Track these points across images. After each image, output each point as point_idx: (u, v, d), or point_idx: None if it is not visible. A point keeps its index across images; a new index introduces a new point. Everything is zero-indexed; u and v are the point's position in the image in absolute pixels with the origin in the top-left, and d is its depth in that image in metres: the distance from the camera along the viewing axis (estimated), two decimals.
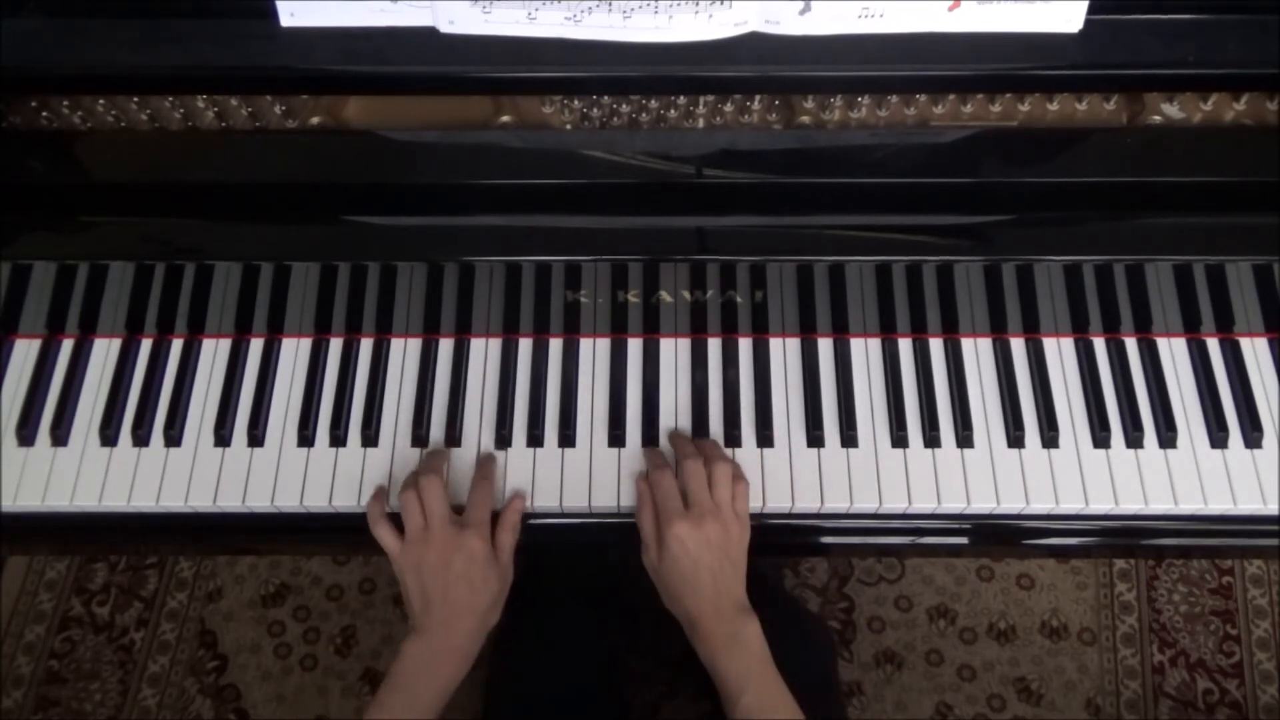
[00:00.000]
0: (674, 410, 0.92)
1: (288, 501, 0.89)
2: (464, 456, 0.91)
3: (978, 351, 0.94)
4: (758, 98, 0.83)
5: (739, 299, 0.89)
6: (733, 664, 0.79)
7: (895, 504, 0.88)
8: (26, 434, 0.92)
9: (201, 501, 0.89)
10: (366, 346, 0.95)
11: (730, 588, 0.82)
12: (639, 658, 1.49)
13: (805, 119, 0.84)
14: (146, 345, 0.95)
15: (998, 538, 0.92)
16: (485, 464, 0.89)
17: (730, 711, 0.79)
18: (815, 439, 0.90)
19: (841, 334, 0.94)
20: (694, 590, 0.81)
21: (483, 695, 1.14)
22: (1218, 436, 0.90)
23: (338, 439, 0.91)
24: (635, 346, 0.95)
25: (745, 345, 0.94)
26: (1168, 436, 0.90)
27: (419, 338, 0.95)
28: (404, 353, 0.95)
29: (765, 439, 0.90)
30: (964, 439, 0.90)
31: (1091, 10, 0.76)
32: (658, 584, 0.84)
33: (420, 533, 0.82)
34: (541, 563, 1.35)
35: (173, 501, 0.89)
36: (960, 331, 0.94)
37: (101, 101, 0.84)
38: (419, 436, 0.91)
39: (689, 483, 0.84)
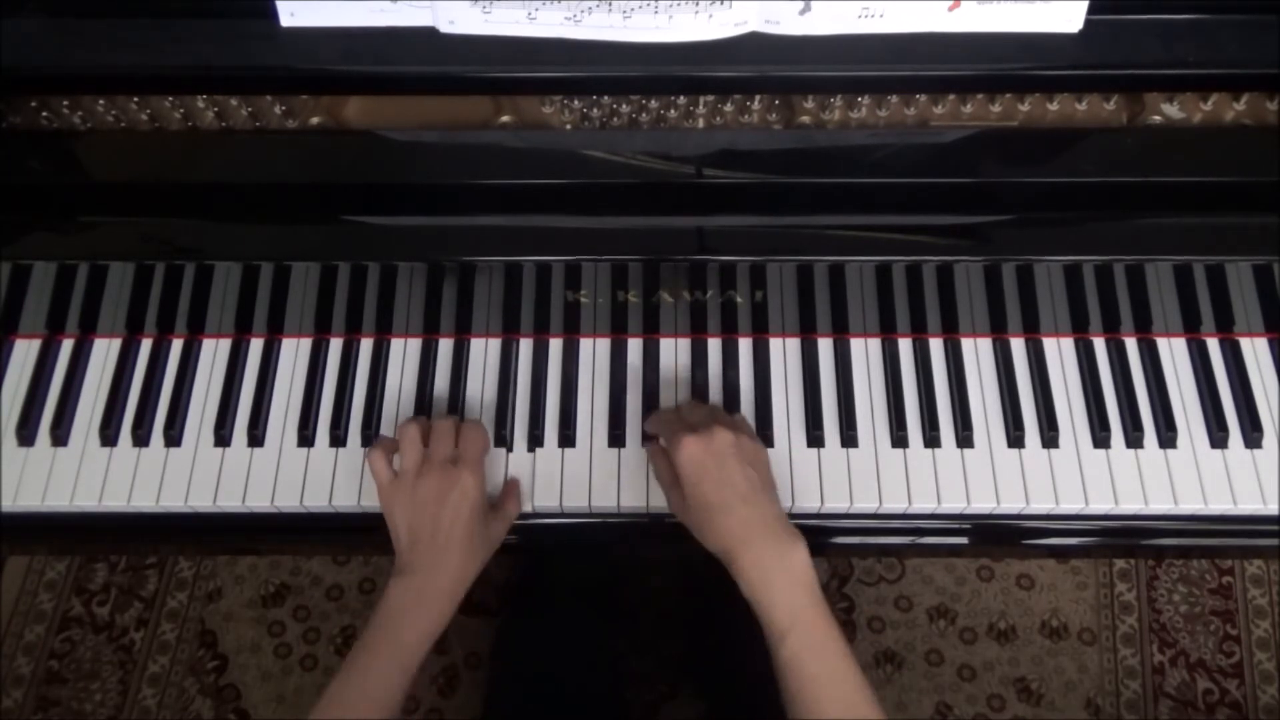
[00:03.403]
0: None
1: (288, 501, 0.89)
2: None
3: (978, 351, 0.94)
4: (758, 98, 0.83)
5: (739, 299, 0.89)
6: (778, 595, 0.72)
7: (895, 504, 0.88)
8: (26, 434, 0.92)
9: (201, 501, 0.89)
10: (366, 346, 0.95)
11: (763, 500, 0.76)
12: (639, 658, 1.49)
13: (805, 119, 0.84)
14: (146, 345, 0.95)
15: (998, 538, 0.92)
16: (473, 418, 0.89)
17: (776, 652, 0.72)
18: (815, 439, 0.90)
19: (841, 334, 0.94)
20: (724, 510, 0.75)
21: (483, 695, 1.14)
22: (1218, 436, 0.90)
23: (338, 439, 0.91)
24: (635, 346, 0.95)
25: (745, 345, 0.94)
26: (1168, 436, 0.90)
27: (419, 338, 0.95)
28: (404, 353, 0.95)
29: (765, 439, 0.90)
30: (964, 439, 0.90)
31: (1091, 10, 0.76)
32: (690, 525, 0.78)
33: (416, 465, 0.80)
34: (542, 563, 1.36)
35: (173, 501, 0.89)
36: (960, 331, 0.94)
37: (101, 101, 0.84)
38: None
39: (690, 413, 0.83)
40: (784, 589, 0.72)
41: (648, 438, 0.90)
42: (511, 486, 0.88)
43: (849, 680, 0.71)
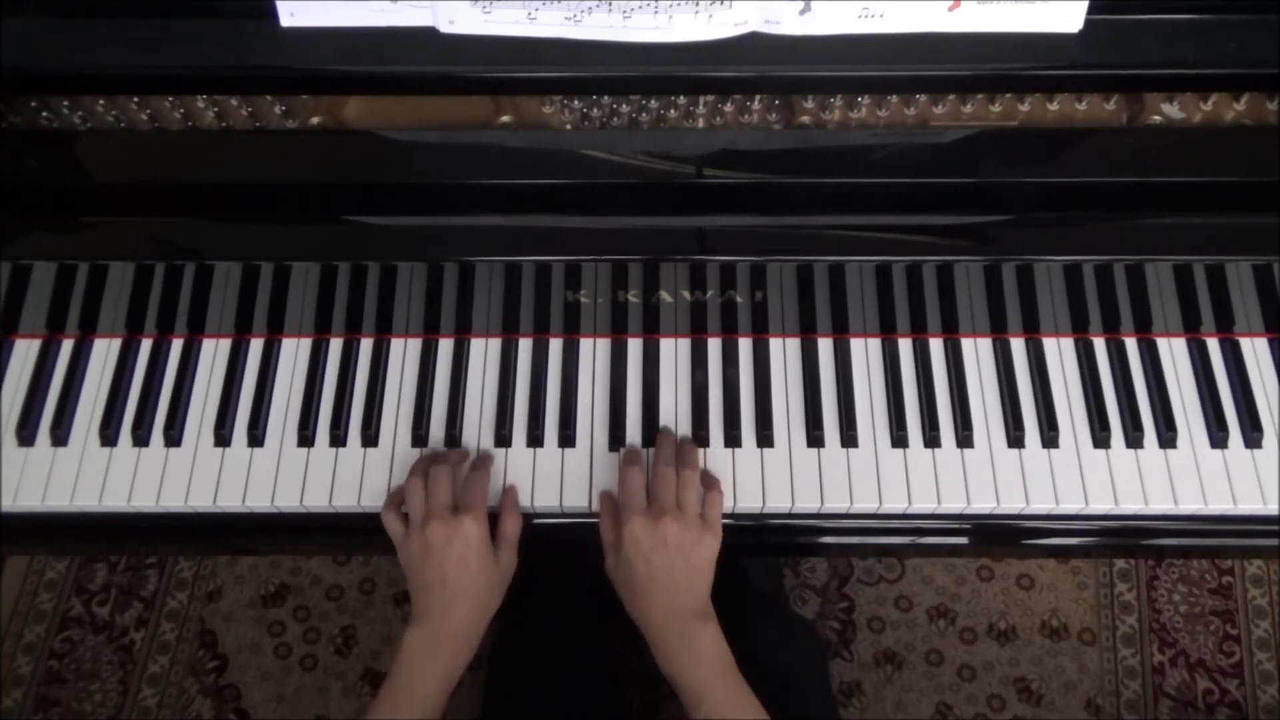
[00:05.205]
0: (674, 410, 0.92)
1: (288, 501, 0.89)
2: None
3: (978, 351, 0.94)
4: (758, 98, 0.83)
5: (739, 299, 0.89)
6: (688, 672, 0.78)
7: (895, 504, 0.88)
8: (26, 434, 0.92)
9: (201, 501, 0.89)
10: (366, 346, 0.95)
11: (688, 592, 0.81)
12: (639, 657, 1.49)
13: (805, 119, 0.84)
14: (146, 345, 0.95)
15: (998, 538, 0.92)
16: (482, 459, 0.90)
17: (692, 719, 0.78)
18: (815, 439, 0.90)
19: (841, 334, 0.94)
20: (648, 592, 0.80)
21: (483, 695, 1.14)
22: (1218, 436, 0.90)
23: (338, 439, 0.91)
24: (635, 346, 0.95)
25: (745, 345, 0.94)
26: (1168, 436, 0.90)
27: (419, 338, 0.95)
28: (404, 353, 0.95)
29: (765, 439, 0.90)
30: (964, 439, 0.90)
31: (1091, 10, 0.76)
32: (617, 588, 0.84)
33: (420, 520, 0.82)
34: (541, 563, 1.35)
35: (173, 501, 0.89)
36: (960, 331, 0.94)
37: (101, 101, 0.84)
38: (419, 436, 0.91)
39: (655, 485, 0.84)
40: (691, 666, 0.78)
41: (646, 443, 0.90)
42: (508, 502, 0.88)
43: None
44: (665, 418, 0.92)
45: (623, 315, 0.92)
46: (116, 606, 1.61)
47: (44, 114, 0.84)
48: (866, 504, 0.88)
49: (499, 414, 0.92)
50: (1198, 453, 0.90)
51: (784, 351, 0.94)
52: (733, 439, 0.90)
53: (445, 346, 0.95)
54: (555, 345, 0.95)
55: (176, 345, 0.95)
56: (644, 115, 0.84)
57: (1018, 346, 0.94)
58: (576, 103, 0.84)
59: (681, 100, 0.83)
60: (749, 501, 0.88)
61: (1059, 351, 0.94)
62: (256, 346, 0.95)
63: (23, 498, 0.90)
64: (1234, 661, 1.54)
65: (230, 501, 0.89)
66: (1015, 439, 0.90)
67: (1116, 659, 1.55)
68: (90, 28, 0.79)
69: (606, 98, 0.83)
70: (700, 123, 0.84)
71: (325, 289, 0.89)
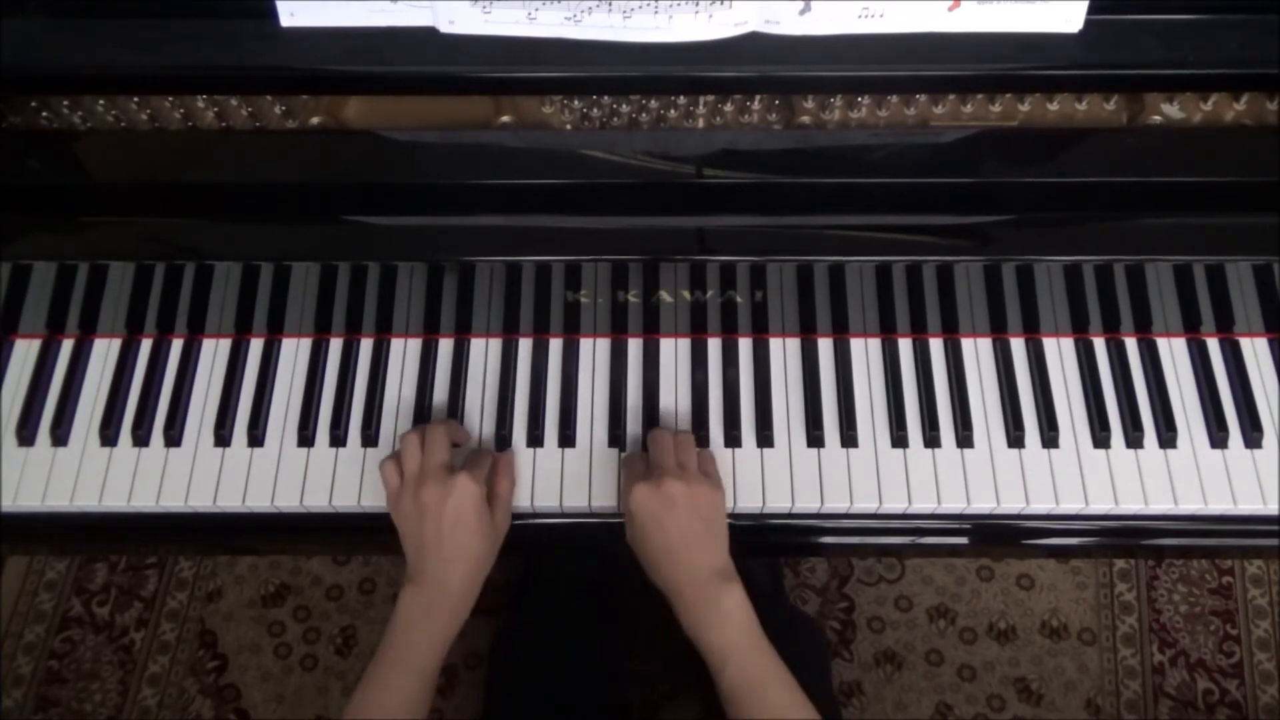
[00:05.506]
0: (674, 410, 0.92)
1: (288, 501, 0.89)
2: (463, 457, 0.91)
3: (978, 351, 0.94)
4: (758, 98, 0.83)
5: (739, 299, 0.89)
6: (713, 635, 0.77)
7: (895, 504, 0.88)
8: (26, 434, 0.92)
9: (201, 501, 0.89)
10: (366, 346, 0.95)
11: (705, 552, 0.80)
12: (639, 658, 1.49)
13: (805, 119, 0.84)
14: (146, 345, 0.95)
15: (998, 538, 0.92)
16: (487, 450, 0.90)
17: (718, 683, 0.77)
18: (815, 439, 0.90)
19: (841, 334, 0.94)
20: (667, 556, 0.79)
21: (483, 695, 1.14)
22: (1218, 436, 0.90)
23: (338, 439, 0.91)
24: (635, 346, 0.95)
25: (745, 345, 0.94)
26: (1168, 436, 0.90)
27: (419, 338, 0.95)
28: (404, 353, 0.95)
29: (765, 439, 0.90)
30: (964, 439, 0.90)
31: (1091, 10, 0.76)
32: (638, 557, 0.83)
33: (416, 475, 0.81)
34: (541, 563, 1.36)
35: (173, 501, 0.89)
36: (960, 331, 0.94)
37: (101, 101, 0.84)
38: None
39: (653, 449, 0.84)
40: (716, 629, 0.77)
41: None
42: (501, 464, 0.88)
43: (786, 707, 0.76)
44: (665, 418, 0.92)
45: (623, 315, 0.92)
46: (116, 606, 1.61)
47: (44, 114, 0.84)
48: (866, 504, 0.88)
49: (499, 414, 0.92)
50: (1198, 453, 0.90)
51: (784, 351, 0.94)
52: (733, 439, 0.90)
53: (445, 346, 0.95)
54: (555, 345, 0.95)
55: (176, 345, 0.95)
56: (644, 115, 0.84)
57: (1018, 346, 0.94)
58: (576, 103, 0.84)
59: (681, 100, 0.83)
60: (749, 501, 0.88)
61: (1059, 351, 0.94)
62: (256, 346, 0.95)
63: (23, 498, 0.90)
64: (1234, 661, 1.54)
65: (230, 501, 0.89)
66: (1015, 439, 0.90)
67: (1116, 659, 1.55)
68: (90, 28, 0.79)
69: (606, 98, 0.83)
70: (700, 123, 0.84)
71: (325, 289, 0.89)
